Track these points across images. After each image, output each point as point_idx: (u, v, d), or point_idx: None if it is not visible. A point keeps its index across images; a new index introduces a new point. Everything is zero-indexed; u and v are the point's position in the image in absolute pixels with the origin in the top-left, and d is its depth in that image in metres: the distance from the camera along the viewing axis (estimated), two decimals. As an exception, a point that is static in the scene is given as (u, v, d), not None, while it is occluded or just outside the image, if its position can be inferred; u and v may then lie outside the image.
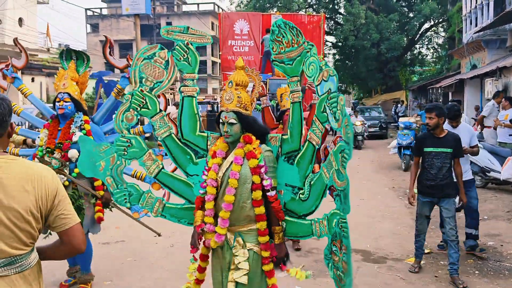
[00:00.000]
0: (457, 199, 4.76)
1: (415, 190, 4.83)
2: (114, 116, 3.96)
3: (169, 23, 51.52)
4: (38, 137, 4.10)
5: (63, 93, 4.03)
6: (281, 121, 5.42)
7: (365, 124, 18.19)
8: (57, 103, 4.03)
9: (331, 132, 9.89)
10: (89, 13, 53.75)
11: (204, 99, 26.33)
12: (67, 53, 4.27)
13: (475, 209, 5.24)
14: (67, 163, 3.89)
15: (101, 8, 56.12)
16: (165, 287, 4.42)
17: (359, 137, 16.94)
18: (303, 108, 2.93)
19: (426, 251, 5.31)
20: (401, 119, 13.83)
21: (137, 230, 6.17)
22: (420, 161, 4.80)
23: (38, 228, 1.83)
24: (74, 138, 3.90)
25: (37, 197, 1.79)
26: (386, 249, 5.50)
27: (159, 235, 4.10)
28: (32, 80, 24.20)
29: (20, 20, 26.90)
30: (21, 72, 18.45)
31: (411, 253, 5.33)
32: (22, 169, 1.80)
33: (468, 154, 5.15)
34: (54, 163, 3.82)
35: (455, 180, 4.68)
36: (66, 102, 4.01)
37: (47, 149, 3.94)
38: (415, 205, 4.83)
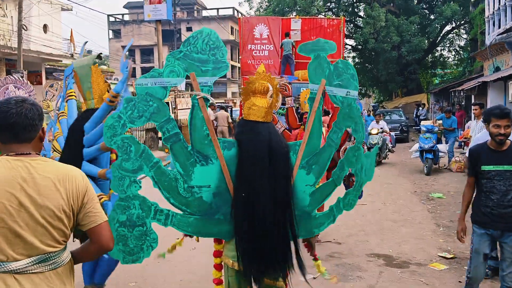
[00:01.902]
0: None
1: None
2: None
3: (189, 28, 52.00)
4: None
5: None
6: (302, 123, 5.55)
7: (385, 132, 14.01)
8: None
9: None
10: (111, 19, 54.62)
11: (223, 102, 26.55)
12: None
13: None
14: None
15: (123, 14, 57.02)
16: (189, 290, 4.48)
17: None
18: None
19: (449, 256, 5.27)
20: (423, 122, 13.69)
21: (159, 233, 6.26)
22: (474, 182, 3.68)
23: (70, 226, 1.94)
24: None
25: (68, 195, 1.90)
26: (409, 254, 5.46)
27: None
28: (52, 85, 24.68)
29: (45, 26, 27.50)
30: (46, 78, 18.86)
31: (434, 258, 5.29)
32: (54, 169, 1.92)
33: None
34: None
35: None
36: None
37: None
38: (464, 241, 3.78)
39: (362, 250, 5.60)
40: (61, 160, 3.59)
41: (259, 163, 2.65)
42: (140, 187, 2.64)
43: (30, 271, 1.83)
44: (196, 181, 2.70)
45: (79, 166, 3.48)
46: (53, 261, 1.88)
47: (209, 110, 3.01)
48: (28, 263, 1.82)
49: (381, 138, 13.42)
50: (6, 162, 1.86)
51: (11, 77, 5.34)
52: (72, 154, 3.61)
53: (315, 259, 3.13)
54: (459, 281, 4.57)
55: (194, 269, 4.99)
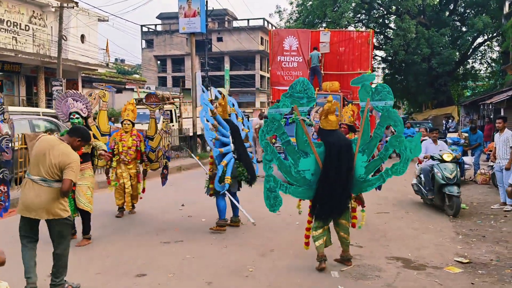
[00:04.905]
0: None
1: None
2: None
3: (220, 39, 53.01)
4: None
5: None
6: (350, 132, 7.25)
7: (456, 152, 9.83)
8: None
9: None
10: (145, 29, 56.18)
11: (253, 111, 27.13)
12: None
13: None
14: None
15: (155, 25, 58.55)
16: (221, 281, 4.93)
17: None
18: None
19: (465, 261, 5.55)
20: (449, 135, 13.86)
21: (193, 231, 6.76)
22: None
23: (58, 174, 4.24)
24: None
25: (61, 162, 4.24)
26: (426, 258, 5.76)
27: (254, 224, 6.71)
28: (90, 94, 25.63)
29: (82, 37, 28.69)
30: (82, 86, 19.69)
31: (451, 262, 5.59)
32: (62, 149, 4.30)
33: None
34: None
35: None
36: None
37: None
38: None
39: (382, 253, 5.93)
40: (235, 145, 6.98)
41: (334, 155, 4.98)
42: (273, 169, 4.94)
43: (38, 183, 4.24)
44: (301, 166, 5.04)
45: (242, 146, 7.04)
46: (48, 183, 4.25)
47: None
48: (38, 179, 4.24)
49: (457, 168, 8.60)
50: (53, 138, 4.45)
51: (70, 91, 6.23)
52: (240, 141, 6.95)
53: (363, 209, 5.70)
54: (472, 283, 4.87)
55: (225, 264, 5.44)
